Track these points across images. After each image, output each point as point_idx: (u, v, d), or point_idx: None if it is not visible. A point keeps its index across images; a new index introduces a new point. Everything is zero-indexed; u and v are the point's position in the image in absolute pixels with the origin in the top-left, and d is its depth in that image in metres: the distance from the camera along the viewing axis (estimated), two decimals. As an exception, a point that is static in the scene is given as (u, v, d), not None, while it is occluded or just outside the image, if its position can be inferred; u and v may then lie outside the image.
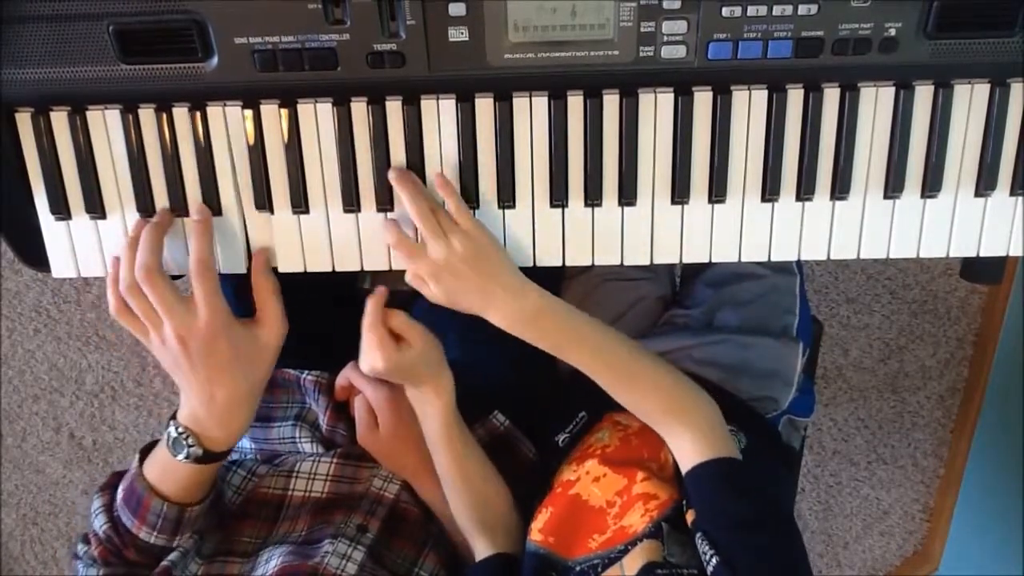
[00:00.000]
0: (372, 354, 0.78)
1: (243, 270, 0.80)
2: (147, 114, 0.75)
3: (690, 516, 0.72)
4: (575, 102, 0.75)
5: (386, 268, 0.80)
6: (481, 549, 0.83)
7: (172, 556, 0.79)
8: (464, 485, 0.84)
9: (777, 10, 0.70)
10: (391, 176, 0.76)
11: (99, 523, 0.80)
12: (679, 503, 0.74)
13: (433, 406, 0.83)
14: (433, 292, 0.75)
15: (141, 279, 0.73)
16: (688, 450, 0.75)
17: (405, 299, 0.84)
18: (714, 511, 0.70)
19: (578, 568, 0.75)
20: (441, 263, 0.74)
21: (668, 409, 0.77)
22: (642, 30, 0.71)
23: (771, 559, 0.67)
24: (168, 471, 0.78)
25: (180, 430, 0.77)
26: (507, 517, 0.86)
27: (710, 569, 0.66)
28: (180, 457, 0.77)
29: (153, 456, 0.80)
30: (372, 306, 0.78)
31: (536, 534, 0.79)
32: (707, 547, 0.67)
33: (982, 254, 0.79)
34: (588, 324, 0.78)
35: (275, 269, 0.80)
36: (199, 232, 0.76)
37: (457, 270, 0.74)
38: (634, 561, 0.71)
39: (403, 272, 0.78)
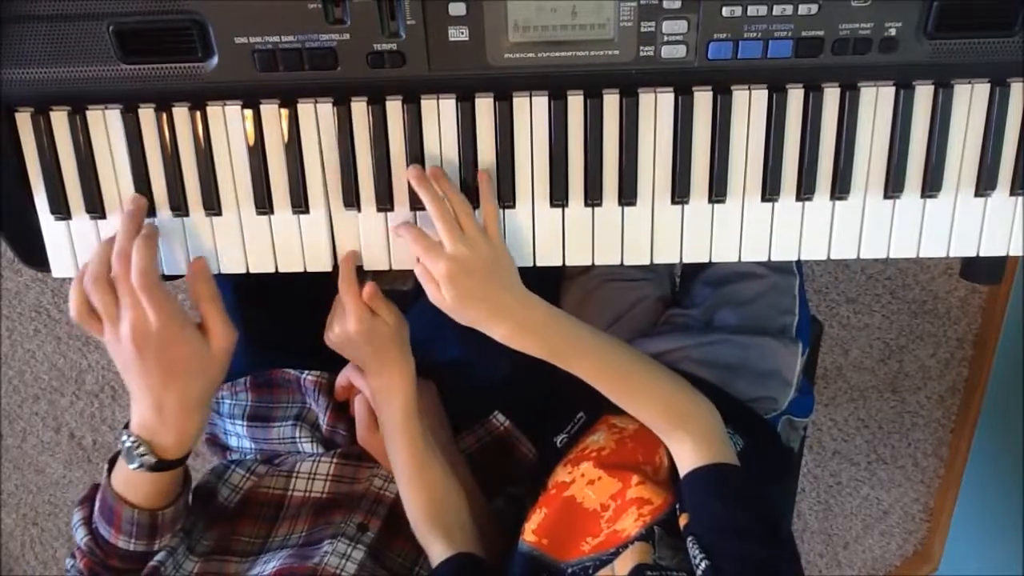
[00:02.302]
0: (348, 319, 0.80)
1: (242, 270, 0.80)
2: (147, 114, 0.75)
3: (683, 520, 0.72)
4: (575, 102, 0.75)
5: (386, 268, 0.80)
6: (438, 552, 0.82)
7: (159, 556, 0.79)
8: (420, 480, 0.84)
9: (777, 10, 0.70)
10: (410, 176, 0.75)
11: (80, 536, 0.80)
12: (673, 507, 0.75)
13: (396, 393, 0.84)
14: (442, 294, 0.74)
15: (118, 266, 0.72)
16: (687, 455, 0.75)
17: (405, 298, 0.84)
18: (708, 516, 0.71)
19: (570, 570, 0.75)
20: (458, 264, 0.73)
21: (669, 415, 0.77)
22: (642, 30, 0.71)
23: (760, 567, 0.67)
24: (130, 480, 0.77)
25: (132, 440, 0.76)
26: (466, 520, 0.86)
27: (699, 573, 0.66)
28: (133, 466, 0.76)
29: (117, 466, 0.79)
30: (345, 270, 0.79)
31: (530, 535, 0.79)
32: (698, 551, 0.67)
33: (982, 254, 0.79)
34: (590, 334, 0.79)
35: (275, 269, 0.80)
36: (142, 244, 0.73)
37: (473, 273, 0.73)
38: (624, 563, 0.71)
39: (403, 271, 0.78)
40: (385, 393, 0.85)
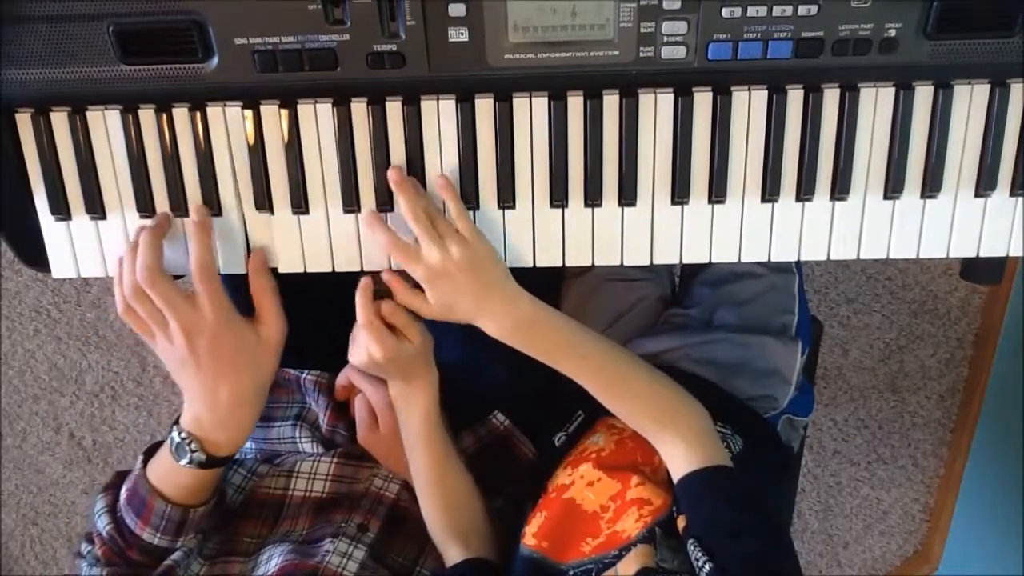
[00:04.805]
0: (371, 347, 0.78)
1: (243, 270, 0.80)
2: (147, 114, 0.75)
3: (681, 522, 0.72)
4: (575, 102, 0.75)
5: (386, 268, 0.80)
6: (453, 555, 0.83)
7: (175, 556, 0.79)
8: (440, 487, 0.84)
9: (777, 10, 0.70)
10: (390, 178, 0.76)
11: (102, 523, 0.80)
12: (672, 509, 0.75)
13: (419, 403, 0.83)
14: (428, 301, 0.75)
15: (143, 280, 0.73)
16: (679, 458, 0.75)
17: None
18: (707, 518, 0.71)
19: (571, 572, 0.75)
20: (437, 268, 0.74)
21: (659, 418, 0.77)
22: (642, 30, 0.71)
23: (763, 566, 0.68)
24: (171, 474, 0.78)
25: (183, 435, 0.77)
26: (482, 524, 0.86)
27: (703, 575, 0.66)
28: (183, 462, 0.77)
29: (156, 458, 0.80)
30: (362, 299, 0.78)
31: (530, 538, 0.79)
32: (700, 554, 0.67)
33: (982, 254, 0.79)
34: (580, 333, 0.79)
35: (275, 270, 0.80)
36: (198, 234, 0.75)
37: (453, 276, 0.74)
38: (628, 566, 0.71)
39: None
40: (407, 400, 0.84)
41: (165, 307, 0.74)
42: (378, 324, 0.78)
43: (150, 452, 0.81)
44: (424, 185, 0.77)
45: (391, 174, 0.76)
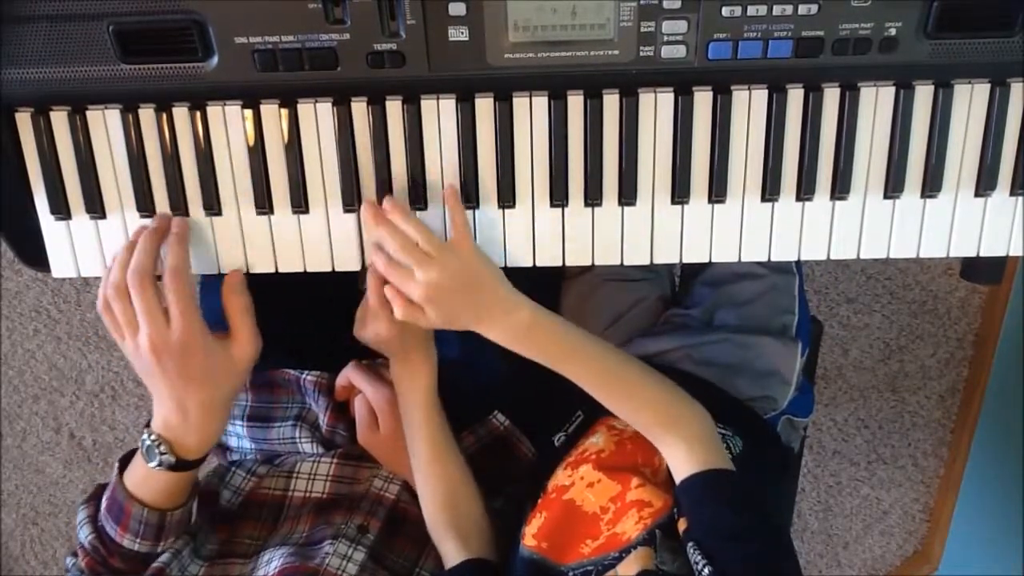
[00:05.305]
0: (376, 323, 0.81)
1: (243, 271, 0.80)
2: (147, 114, 0.75)
3: (681, 524, 0.72)
4: (575, 102, 0.75)
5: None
6: (451, 552, 0.83)
7: (163, 557, 0.79)
8: (440, 473, 0.85)
9: (777, 10, 0.70)
10: (366, 215, 0.76)
11: (84, 534, 0.80)
12: (672, 510, 0.75)
13: (419, 381, 0.85)
14: (428, 316, 0.76)
15: (133, 282, 0.73)
16: (681, 461, 0.75)
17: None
18: (707, 522, 0.71)
19: (571, 574, 0.75)
20: (432, 289, 0.74)
21: (661, 421, 0.77)
22: (642, 30, 0.71)
23: (763, 566, 0.68)
24: (145, 478, 0.78)
25: (153, 438, 0.76)
26: (480, 521, 0.86)
27: None
28: (152, 465, 0.76)
29: (132, 464, 0.80)
30: (372, 280, 0.79)
31: (530, 539, 0.79)
32: (699, 556, 0.68)
33: (982, 254, 0.79)
34: (582, 337, 0.79)
35: (275, 269, 0.80)
36: (174, 244, 0.75)
37: (449, 291, 0.74)
38: (628, 568, 0.71)
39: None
40: (408, 381, 0.86)
41: (143, 314, 0.73)
42: (385, 305, 0.79)
43: (126, 459, 0.81)
44: (424, 183, 0.77)
45: (365, 214, 0.76)
